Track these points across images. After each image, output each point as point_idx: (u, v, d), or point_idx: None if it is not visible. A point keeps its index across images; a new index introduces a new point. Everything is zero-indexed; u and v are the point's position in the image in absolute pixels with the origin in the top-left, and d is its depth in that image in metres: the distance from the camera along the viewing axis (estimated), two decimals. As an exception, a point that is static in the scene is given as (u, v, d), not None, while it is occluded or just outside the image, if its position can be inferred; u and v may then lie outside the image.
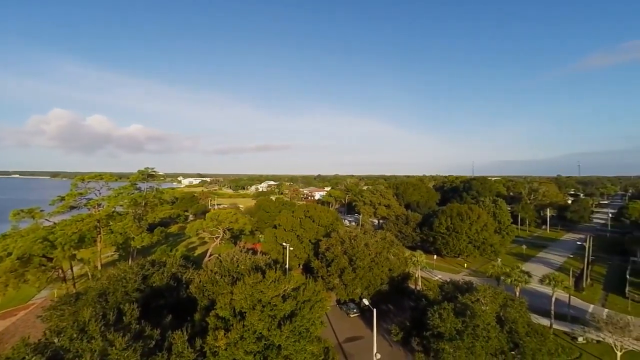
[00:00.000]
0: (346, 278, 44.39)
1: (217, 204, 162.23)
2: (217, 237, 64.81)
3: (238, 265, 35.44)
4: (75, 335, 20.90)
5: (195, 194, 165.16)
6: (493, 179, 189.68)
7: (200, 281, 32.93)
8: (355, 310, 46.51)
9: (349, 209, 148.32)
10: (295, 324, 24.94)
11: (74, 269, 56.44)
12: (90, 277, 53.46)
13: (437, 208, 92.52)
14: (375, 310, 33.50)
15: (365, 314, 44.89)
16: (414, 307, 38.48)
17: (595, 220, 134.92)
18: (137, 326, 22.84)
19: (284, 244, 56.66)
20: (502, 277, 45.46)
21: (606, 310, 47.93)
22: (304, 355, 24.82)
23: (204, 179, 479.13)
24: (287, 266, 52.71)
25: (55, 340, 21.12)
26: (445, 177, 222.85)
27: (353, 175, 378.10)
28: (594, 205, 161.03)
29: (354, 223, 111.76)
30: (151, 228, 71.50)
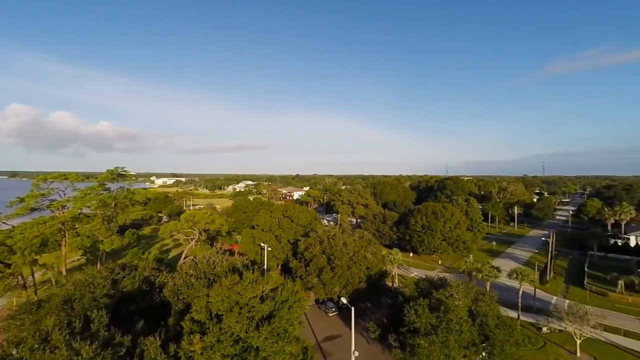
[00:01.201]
0: (325, 277, 44.58)
1: (193, 205, 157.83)
2: (192, 239, 63.07)
3: (214, 267, 34.65)
4: (36, 346, 19.60)
5: (170, 195, 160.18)
6: (465, 178, 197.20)
7: (174, 284, 31.90)
8: (333, 309, 46.82)
9: (328, 208, 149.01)
10: (273, 325, 24.74)
11: (36, 275, 52.81)
12: (54, 283, 50.43)
13: (413, 207, 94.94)
14: (353, 308, 33.88)
15: (343, 312, 45.30)
16: (391, 304, 39.31)
17: (558, 217, 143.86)
18: (106, 333, 21.78)
19: (262, 244, 56.08)
20: (473, 273, 47.38)
21: (567, 301, 51.20)
22: (283, 356, 24.67)
23: (178, 178, 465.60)
24: (265, 267, 52.20)
25: (14, 352, 19.70)
26: (421, 176, 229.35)
27: (331, 175, 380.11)
28: (556, 203, 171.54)
29: (332, 222, 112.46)
30: (122, 230, 68.63)
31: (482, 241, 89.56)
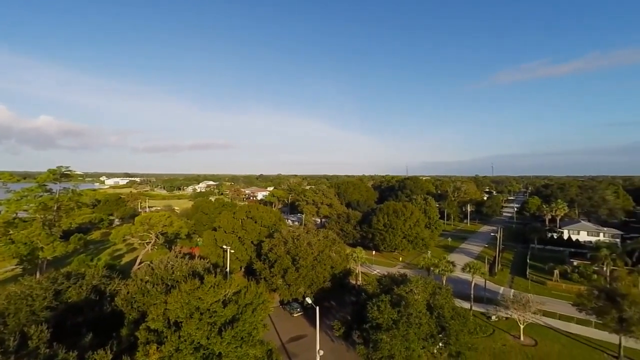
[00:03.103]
0: (289, 278, 44.36)
1: (149, 207, 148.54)
2: (148, 243, 59.36)
3: (173, 272, 32.95)
4: (-40, 370, 17.27)
5: (122, 196, 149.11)
6: (424, 178, 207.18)
7: (128, 292, 29.85)
8: (298, 310, 46.72)
9: (292, 208, 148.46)
10: (237, 330, 24.13)
11: (-41, 288, 46.48)
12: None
13: (376, 206, 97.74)
14: (317, 308, 34.06)
15: (308, 312, 45.39)
16: (354, 302, 40.08)
17: (504, 214, 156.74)
18: (47, 350, 19.80)
19: (225, 246, 54.36)
20: (431, 268, 50.04)
21: (513, 290, 55.91)
22: (246, 360, 24.17)
23: (132, 179, 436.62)
24: (227, 270, 50.67)
25: None
26: (383, 176, 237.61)
27: (296, 175, 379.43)
28: (503, 201, 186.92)
29: (297, 222, 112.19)
30: (66, 235, 62.71)
31: (438, 238, 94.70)
